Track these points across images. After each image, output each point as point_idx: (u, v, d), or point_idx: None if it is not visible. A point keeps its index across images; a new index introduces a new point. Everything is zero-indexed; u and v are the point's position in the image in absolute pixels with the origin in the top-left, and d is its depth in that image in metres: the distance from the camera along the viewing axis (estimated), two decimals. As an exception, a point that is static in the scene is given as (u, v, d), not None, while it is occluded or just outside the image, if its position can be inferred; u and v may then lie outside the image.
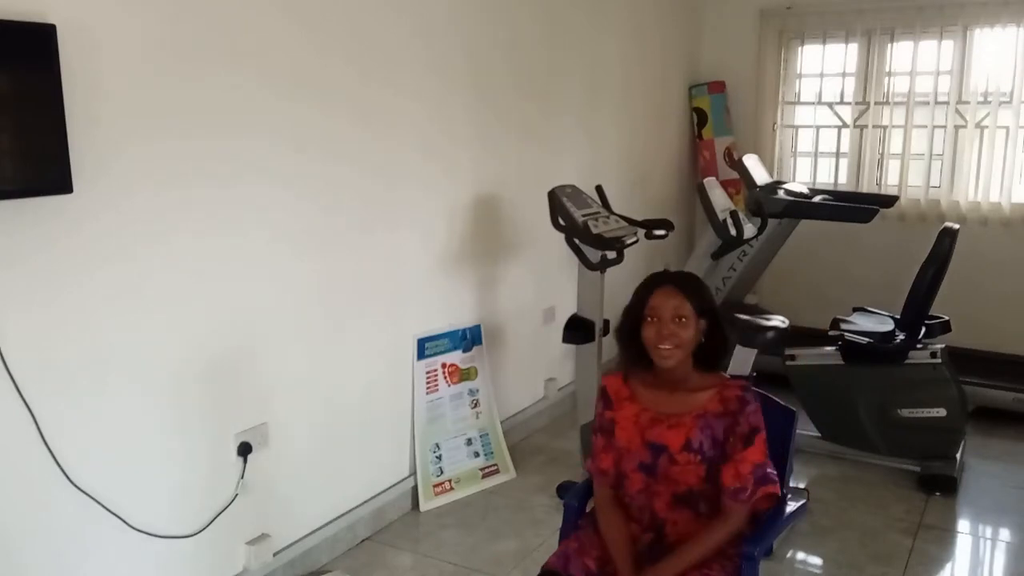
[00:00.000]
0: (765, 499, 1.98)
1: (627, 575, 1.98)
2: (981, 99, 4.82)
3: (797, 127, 5.50)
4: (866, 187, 5.21)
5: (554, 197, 3.46)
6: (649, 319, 2.02)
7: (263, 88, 2.63)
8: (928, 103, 4.94)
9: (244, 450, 2.69)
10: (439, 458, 3.52)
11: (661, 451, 2.01)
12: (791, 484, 2.18)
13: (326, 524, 3.06)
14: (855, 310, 4.08)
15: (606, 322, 3.46)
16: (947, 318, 3.87)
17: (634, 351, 2.08)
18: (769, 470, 1.98)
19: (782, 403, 2.25)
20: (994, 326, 4.81)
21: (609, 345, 2.68)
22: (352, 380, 3.12)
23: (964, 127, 4.87)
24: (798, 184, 4.66)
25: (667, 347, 1.99)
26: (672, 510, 2.03)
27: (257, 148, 2.64)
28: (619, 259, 3.35)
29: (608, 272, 3.43)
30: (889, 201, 4.44)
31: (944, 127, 4.92)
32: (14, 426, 2.08)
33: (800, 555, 3.15)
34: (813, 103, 5.39)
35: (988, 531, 3.42)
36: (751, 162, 4.37)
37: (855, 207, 4.23)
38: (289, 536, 2.93)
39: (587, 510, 2.22)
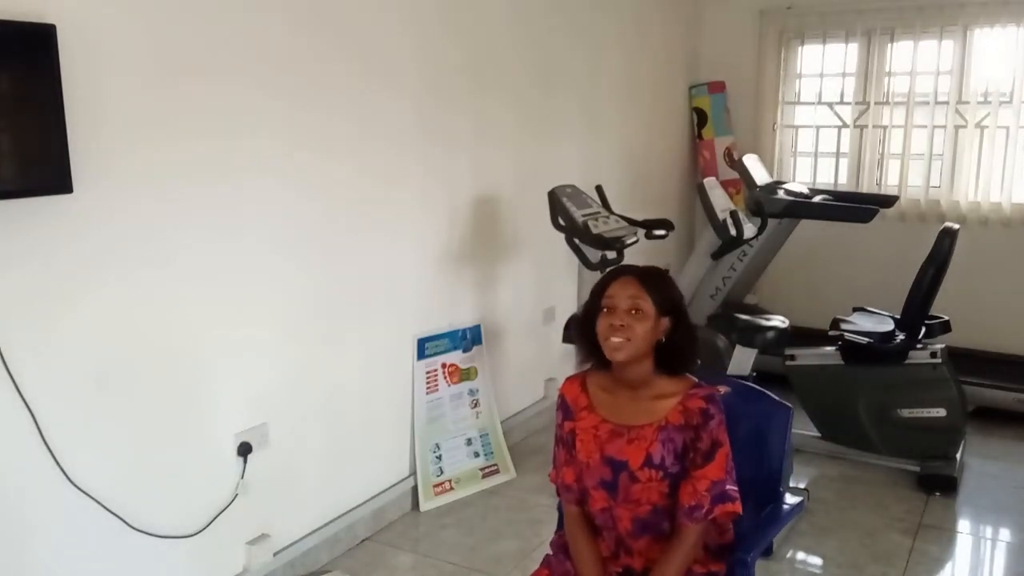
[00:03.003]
0: (723, 516, 1.85)
1: None
2: (981, 99, 4.81)
3: (797, 127, 5.49)
4: (866, 187, 5.21)
5: (554, 197, 3.47)
6: (604, 310, 1.87)
7: (263, 90, 2.63)
8: (928, 103, 4.94)
9: (244, 450, 2.69)
10: (439, 458, 3.52)
11: (621, 468, 1.86)
12: (791, 484, 2.15)
13: (326, 524, 3.06)
14: (855, 310, 4.08)
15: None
16: (947, 318, 3.87)
17: (587, 345, 1.93)
18: (729, 487, 1.83)
19: (777, 399, 2.18)
20: (994, 326, 4.81)
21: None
22: (352, 380, 3.12)
23: (964, 127, 4.87)
24: (798, 184, 4.66)
25: (617, 339, 1.82)
26: (636, 537, 1.89)
27: (257, 149, 2.64)
28: (619, 259, 3.36)
29: (608, 272, 3.43)
30: (889, 201, 4.44)
31: (944, 127, 4.92)
32: (14, 426, 2.08)
33: (800, 555, 3.15)
34: (813, 103, 5.39)
35: (988, 531, 3.42)
36: (751, 162, 4.37)
37: (855, 207, 4.23)
38: (289, 536, 2.93)
39: (556, 535, 2.11)
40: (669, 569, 1.83)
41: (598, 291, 1.92)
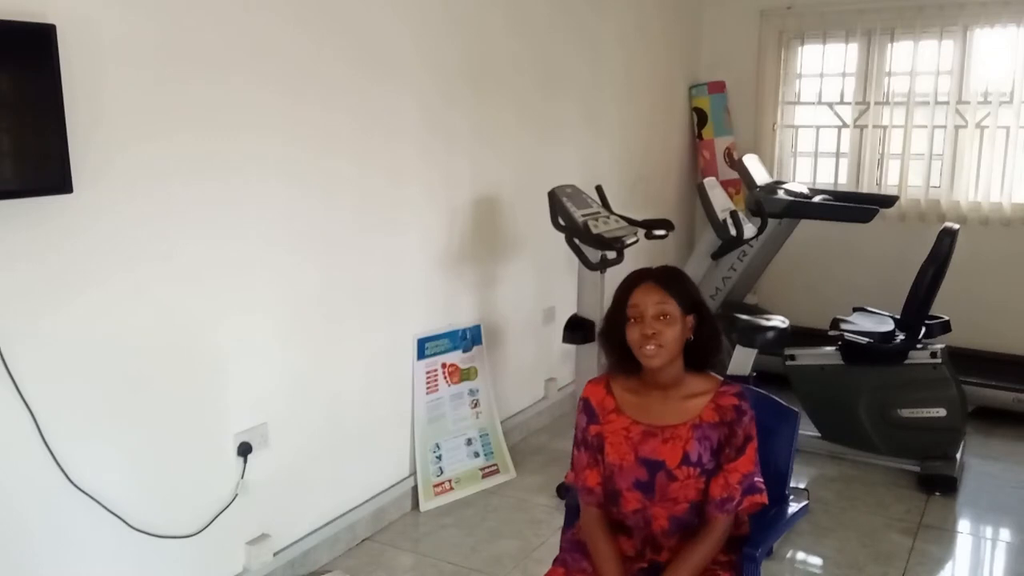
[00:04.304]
0: (752, 507, 1.91)
1: None
2: (981, 99, 4.81)
3: (797, 127, 5.49)
4: (866, 187, 5.21)
5: (554, 197, 3.46)
6: (632, 319, 1.89)
7: (263, 89, 2.63)
8: (928, 103, 4.94)
9: (244, 450, 2.69)
10: (439, 458, 3.52)
11: (658, 468, 1.88)
12: (791, 484, 2.16)
13: (326, 524, 3.06)
14: (855, 310, 4.08)
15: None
16: (947, 318, 3.87)
17: (619, 354, 1.95)
18: (756, 479, 1.89)
19: (784, 403, 2.20)
20: (994, 326, 4.81)
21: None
22: (352, 380, 3.12)
23: (964, 127, 4.87)
24: (798, 184, 4.66)
25: (652, 347, 1.86)
26: (670, 536, 1.92)
27: (257, 148, 2.64)
28: (619, 259, 3.36)
29: (608, 272, 3.43)
30: (889, 201, 4.44)
31: (944, 127, 4.92)
32: (14, 426, 2.08)
33: (800, 555, 3.15)
34: (813, 103, 5.39)
35: (988, 531, 3.41)
36: (751, 162, 4.37)
37: (855, 207, 4.23)
38: (289, 536, 2.93)
39: (568, 532, 2.12)
40: (696, 557, 1.86)
41: (621, 299, 1.93)
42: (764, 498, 1.89)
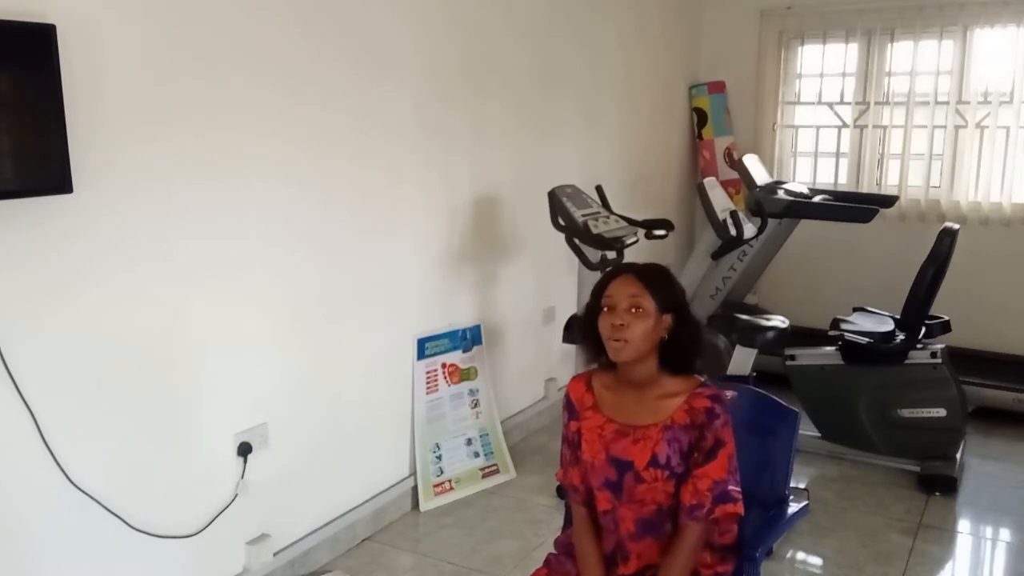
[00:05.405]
0: (725, 517, 1.83)
1: None
2: (981, 99, 4.81)
3: (797, 127, 5.49)
4: (866, 187, 5.21)
5: (554, 197, 3.47)
6: (605, 309, 1.85)
7: (263, 89, 2.63)
8: (928, 103, 4.93)
9: (244, 450, 2.69)
10: (439, 458, 3.52)
11: (626, 468, 1.84)
12: (791, 484, 2.16)
13: (326, 524, 3.06)
14: (855, 310, 4.08)
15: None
16: (947, 318, 3.87)
17: (590, 345, 1.91)
18: (731, 487, 1.81)
19: (784, 403, 2.20)
20: (994, 326, 4.81)
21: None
22: (352, 380, 3.12)
23: (964, 127, 4.87)
24: (798, 184, 4.66)
25: (619, 339, 1.81)
26: (637, 539, 1.88)
27: (257, 148, 2.64)
28: (619, 259, 3.36)
29: (608, 272, 3.43)
30: (889, 201, 4.44)
31: (944, 127, 4.92)
32: (14, 426, 2.08)
33: (800, 555, 3.15)
34: (813, 103, 5.39)
35: (988, 531, 3.41)
36: (751, 162, 4.37)
37: (855, 207, 4.23)
38: (289, 536, 2.93)
39: (563, 533, 2.12)
40: (674, 570, 1.82)
41: (598, 290, 1.91)
42: (739, 508, 1.82)
